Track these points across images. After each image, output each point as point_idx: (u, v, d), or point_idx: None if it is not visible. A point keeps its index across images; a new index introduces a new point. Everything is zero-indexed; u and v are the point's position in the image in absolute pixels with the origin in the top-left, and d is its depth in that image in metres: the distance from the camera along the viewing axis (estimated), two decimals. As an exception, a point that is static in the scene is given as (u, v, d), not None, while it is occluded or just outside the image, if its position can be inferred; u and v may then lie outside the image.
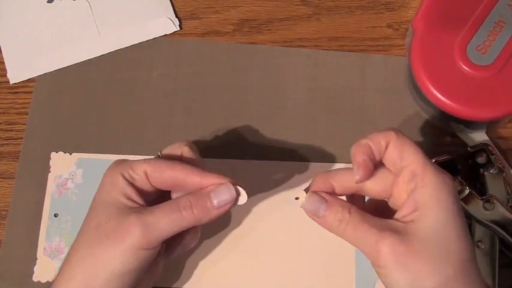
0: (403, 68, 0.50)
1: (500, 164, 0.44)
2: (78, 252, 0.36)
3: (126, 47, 0.51)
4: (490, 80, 0.44)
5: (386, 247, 0.32)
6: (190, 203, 0.35)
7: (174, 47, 0.51)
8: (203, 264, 0.45)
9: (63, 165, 0.47)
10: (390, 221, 0.34)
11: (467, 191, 0.43)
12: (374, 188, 0.36)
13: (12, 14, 0.52)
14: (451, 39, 0.45)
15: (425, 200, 0.33)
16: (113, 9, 0.52)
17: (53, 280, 0.37)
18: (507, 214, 0.42)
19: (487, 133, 0.48)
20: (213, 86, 0.50)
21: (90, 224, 0.36)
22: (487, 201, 0.42)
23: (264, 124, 0.49)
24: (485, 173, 0.44)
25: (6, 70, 0.51)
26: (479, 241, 0.43)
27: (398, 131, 0.35)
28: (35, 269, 0.45)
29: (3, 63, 0.51)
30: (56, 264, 0.45)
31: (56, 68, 0.50)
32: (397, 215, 0.34)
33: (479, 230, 0.43)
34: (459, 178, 0.43)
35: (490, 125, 0.47)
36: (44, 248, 0.45)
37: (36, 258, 0.45)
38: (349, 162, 0.46)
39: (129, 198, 0.36)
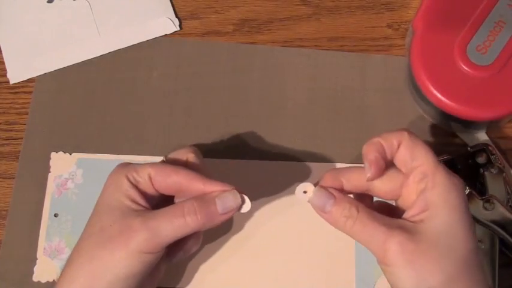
0: (403, 68, 0.50)
1: (500, 164, 0.44)
2: (81, 255, 0.36)
3: (126, 47, 0.51)
4: (490, 80, 0.44)
5: (395, 245, 0.32)
6: (195, 208, 0.35)
7: (174, 47, 0.51)
8: (203, 265, 0.45)
9: (63, 165, 0.47)
10: (399, 220, 0.34)
11: (467, 191, 0.43)
12: (383, 188, 0.36)
13: (12, 14, 0.52)
14: (451, 39, 0.45)
15: (436, 200, 0.33)
16: (113, 9, 0.52)
17: (55, 282, 0.37)
18: (507, 214, 0.42)
19: (487, 133, 0.48)
20: (213, 86, 0.50)
21: (93, 227, 0.36)
22: (487, 201, 0.42)
23: (264, 124, 0.49)
24: (485, 173, 0.44)
25: (6, 70, 0.51)
26: (479, 241, 0.43)
27: (411, 132, 0.35)
28: (35, 269, 0.45)
29: (3, 63, 0.51)
30: (56, 264, 0.45)
31: (56, 68, 0.50)
32: (405, 215, 0.34)
33: (479, 230, 0.43)
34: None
35: (490, 125, 0.47)
36: (44, 248, 0.45)
37: (36, 258, 0.45)
38: (349, 162, 0.47)
39: (134, 201, 0.36)
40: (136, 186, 0.37)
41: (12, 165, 0.48)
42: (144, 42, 0.51)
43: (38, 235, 0.46)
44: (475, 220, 0.43)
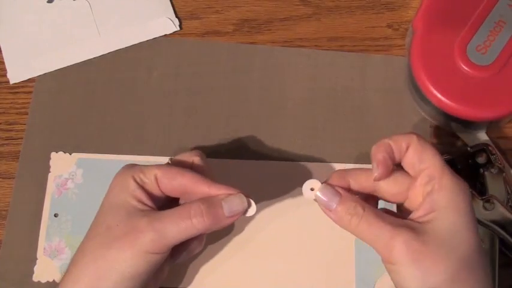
0: (403, 68, 0.50)
1: (500, 164, 0.44)
2: (86, 255, 0.36)
3: (126, 47, 0.51)
4: (490, 80, 0.44)
5: (400, 243, 0.32)
6: (202, 210, 0.35)
7: (174, 47, 0.51)
8: (204, 266, 0.45)
9: (63, 165, 0.47)
10: (405, 220, 0.34)
11: (467, 191, 0.43)
12: (390, 189, 0.36)
13: (12, 14, 0.52)
14: (451, 39, 0.45)
15: (443, 202, 0.33)
16: (113, 9, 0.52)
17: (59, 282, 0.37)
18: (507, 214, 0.42)
19: (487, 133, 0.48)
20: (213, 86, 0.50)
21: (99, 227, 0.36)
22: (487, 201, 0.42)
23: (264, 124, 0.49)
24: (485, 173, 0.44)
25: (6, 70, 0.51)
26: (479, 241, 0.43)
27: (420, 135, 0.36)
28: (35, 269, 0.45)
29: (3, 63, 0.51)
30: (56, 264, 0.45)
31: (56, 68, 0.50)
32: (412, 216, 0.34)
33: (479, 230, 0.42)
34: (459, 178, 0.43)
35: (490, 125, 0.47)
36: (44, 248, 0.45)
37: (36, 258, 0.45)
38: (349, 162, 0.47)
39: (140, 201, 0.36)
40: (142, 187, 0.37)
41: (12, 165, 0.48)
42: (144, 42, 0.51)
43: (38, 235, 0.46)
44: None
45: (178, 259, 0.39)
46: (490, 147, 0.45)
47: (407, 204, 0.36)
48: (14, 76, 0.51)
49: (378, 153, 0.35)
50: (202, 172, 0.38)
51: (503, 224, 0.42)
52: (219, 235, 0.45)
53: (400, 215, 0.37)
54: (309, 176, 0.47)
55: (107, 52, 0.51)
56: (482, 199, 0.43)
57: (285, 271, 0.44)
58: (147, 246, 0.34)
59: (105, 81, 0.50)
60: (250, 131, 0.49)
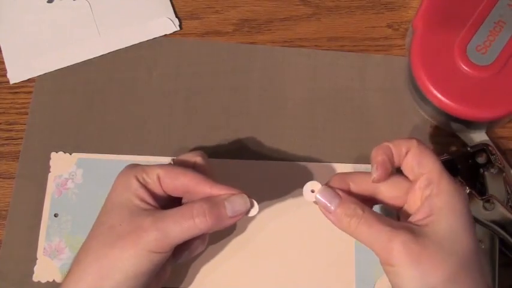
0: (403, 68, 0.50)
1: (500, 164, 0.44)
2: (90, 254, 0.36)
3: (126, 47, 0.51)
4: (490, 80, 0.44)
5: (399, 245, 0.32)
6: (204, 210, 0.35)
7: (174, 47, 0.51)
8: (205, 266, 0.45)
9: (63, 165, 0.47)
10: (403, 223, 0.35)
11: (467, 191, 0.43)
12: (389, 193, 0.37)
13: (12, 14, 0.52)
14: (451, 39, 0.45)
15: (441, 206, 0.34)
16: (113, 9, 0.52)
17: (62, 281, 0.37)
18: (507, 214, 0.42)
19: (487, 133, 0.48)
20: (213, 86, 0.50)
21: (102, 226, 0.36)
22: (487, 201, 0.42)
23: (264, 124, 0.49)
24: (485, 173, 0.44)
25: (6, 70, 0.51)
26: (479, 241, 0.43)
27: (420, 140, 0.36)
28: (35, 269, 0.45)
29: (3, 63, 0.51)
30: (56, 264, 0.45)
31: (56, 68, 0.50)
32: (410, 219, 0.35)
33: (479, 230, 0.43)
34: (459, 178, 0.43)
35: (490, 125, 0.47)
36: (44, 248, 0.45)
37: (36, 258, 0.45)
38: (349, 162, 0.47)
39: (143, 200, 0.37)
40: (145, 187, 0.37)
41: (12, 165, 0.48)
42: (144, 42, 0.51)
43: (38, 235, 0.46)
44: (475, 220, 0.43)
45: (180, 259, 0.40)
46: (490, 147, 0.45)
47: (405, 208, 0.37)
48: (14, 76, 0.51)
49: (378, 155, 0.36)
50: (204, 172, 0.39)
51: (503, 224, 0.42)
52: (219, 236, 0.45)
53: (399, 218, 0.37)
54: (309, 176, 0.47)
55: (107, 52, 0.51)
56: (482, 199, 0.43)
57: (285, 271, 0.44)
58: (151, 245, 0.34)
59: (105, 81, 0.50)
60: (250, 131, 0.49)
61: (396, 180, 0.37)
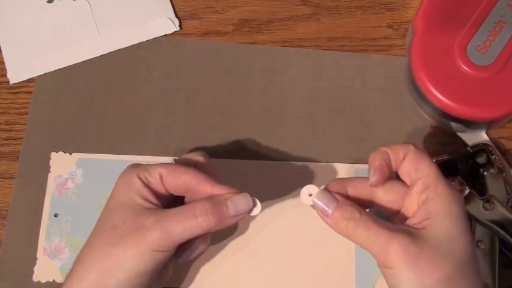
0: (403, 68, 0.50)
1: (500, 164, 0.44)
2: (93, 253, 0.36)
3: (126, 47, 0.51)
4: (490, 80, 0.44)
5: (397, 247, 0.33)
6: (207, 209, 0.35)
7: (174, 47, 0.51)
8: (205, 266, 0.45)
9: (63, 165, 0.47)
10: (401, 226, 0.35)
11: (467, 191, 0.43)
12: (386, 197, 0.37)
13: (12, 14, 0.52)
14: (451, 39, 0.45)
15: (438, 209, 0.34)
16: (113, 9, 0.52)
17: (64, 280, 0.37)
18: (507, 214, 0.42)
19: (487, 133, 0.48)
20: (213, 86, 0.50)
21: (104, 226, 0.36)
22: (487, 201, 0.42)
23: (264, 124, 0.49)
24: (485, 173, 0.44)
25: (6, 70, 0.51)
26: (479, 241, 0.43)
27: (417, 145, 0.37)
28: (35, 269, 0.45)
29: (3, 63, 0.51)
30: (56, 264, 0.45)
31: (56, 68, 0.50)
32: (407, 222, 0.35)
33: (479, 230, 0.43)
34: (459, 178, 0.43)
35: (490, 125, 0.47)
36: (44, 248, 0.45)
37: (36, 258, 0.45)
38: (349, 162, 0.47)
39: (146, 199, 0.37)
40: (148, 186, 0.37)
41: (12, 165, 0.48)
42: (144, 42, 0.51)
43: (38, 235, 0.46)
44: (475, 220, 0.43)
45: (182, 258, 0.40)
46: (490, 147, 0.45)
47: (402, 212, 0.37)
48: (14, 76, 0.51)
49: (375, 160, 0.36)
50: (207, 172, 0.39)
51: (503, 224, 0.42)
52: (219, 236, 0.45)
53: (395, 222, 0.37)
54: (309, 176, 0.47)
55: (107, 52, 0.51)
56: (482, 199, 0.43)
57: (285, 272, 0.44)
58: (154, 244, 0.35)
59: (105, 81, 0.50)
60: (250, 131, 0.49)
61: (393, 185, 0.37)
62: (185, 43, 0.51)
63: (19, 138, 0.49)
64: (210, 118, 0.49)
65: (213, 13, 0.53)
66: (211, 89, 0.50)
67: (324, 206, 0.35)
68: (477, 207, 0.42)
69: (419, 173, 0.36)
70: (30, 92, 0.50)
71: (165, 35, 0.52)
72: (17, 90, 0.50)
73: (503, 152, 0.48)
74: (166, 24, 0.52)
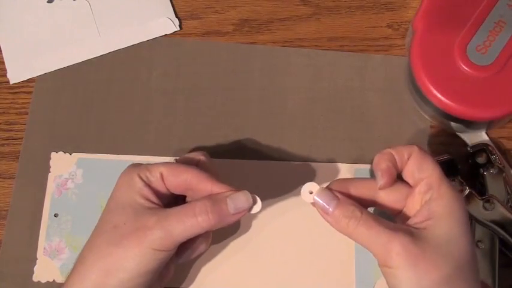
0: (403, 68, 0.50)
1: (500, 164, 0.44)
2: (94, 252, 0.36)
3: (126, 47, 0.51)
4: (490, 80, 0.44)
5: (399, 247, 0.33)
6: (207, 208, 0.35)
7: (174, 47, 0.51)
8: (205, 266, 0.45)
9: (63, 165, 0.47)
10: (402, 225, 0.35)
11: (467, 191, 0.43)
12: (388, 197, 0.37)
13: (12, 14, 0.52)
14: (451, 39, 0.45)
15: (440, 210, 0.34)
16: (113, 9, 0.52)
17: (65, 280, 0.37)
18: (507, 214, 0.42)
19: (487, 133, 0.48)
20: (213, 86, 0.50)
21: (106, 225, 0.36)
22: (487, 201, 0.42)
23: (264, 124, 0.49)
24: (485, 173, 0.44)
25: (6, 70, 0.51)
26: (479, 241, 0.43)
27: (421, 146, 0.37)
28: (35, 269, 0.45)
29: (3, 63, 0.51)
30: (56, 264, 0.45)
31: (56, 68, 0.50)
32: (409, 222, 0.35)
33: (479, 230, 0.43)
34: (459, 178, 0.43)
35: (490, 125, 0.47)
36: (44, 248, 0.45)
37: (36, 258, 0.45)
38: (349, 162, 0.47)
39: (147, 199, 0.37)
40: (149, 185, 0.37)
41: (12, 165, 0.48)
42: (144, 42, 0.51)
43: (38, 235, 0.46)
44: (475, 220, 0.43)
45: (184, 257, 0.40)
46: (490, 147, 0.45)
47: (404, 212, 0.37)
48: (14, 76, 0.51)
49: (382, 162, 0.36)
50: (208, 171, 0.39)
51: (503, 224, 0.42)
52: (220, 236, 0.45)
53: (396, 222, 0.38)
54: (309, 176, 0.47)
55: (107, 52, 0.51)
56: (482, 199, 0.43)
57: (285, 271, 0.44)
58: (155, 244, 0.35)
59: (105, 81, 0.50)
60: (250, 131, 0.49)
61: (396, 185, 0.37)
62: (185, 43, 0.51)
63: (19, 138, 0.49)
64: (210, 118, 0.49)
65: (213, 13, 0.53)
66: (211, 89, 0.50)
67: (325, 204, 0.35)
68: (477, 207, 0.42)
69: (422, 173, 0.36)
70: (30, 92, 0.50)
71: (165, 35, 0.52)
72: (17, 90, 0.50)
73: (503, 152, 0.48)
74: (166, 24, 0.52)
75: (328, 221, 0.36)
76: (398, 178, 0.37)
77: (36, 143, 0.48)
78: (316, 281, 0.44)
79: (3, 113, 0.50)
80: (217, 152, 0.48)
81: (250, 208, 0.37)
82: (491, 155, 0.44)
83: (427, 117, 0.48)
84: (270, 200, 0.46)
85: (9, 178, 0.48)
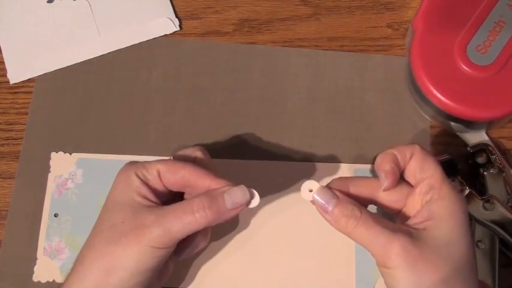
0: (403, 68, 0.50)
1: (500, 164, 0.44)
2: (93, 252, 0.36)
3: (126, 47, 0.51)
4: (490, 80, 0.44)
5: (398, 247, 0.33)
6: (204, 204, 0.35)
7: (174, 47, 0.51)
8: (204, 265, 0.45)
9: (63, 165, 0.47)
10: (401, 226, 0.35)
11: (467, 191, 0.43)
12: (389, 197, 0.37)
13: (12, 14, 0.52)
14: (451, 39, 0.45)
15: (441, 211, 0.34)
16: (113, 9, 0.52)
17: (65, 279, 0.37)
18: (507, 214, 0.42)
19: (487, 133, 0.48)
20: (213, 86, 0.50)
21: (104, 224, 0.36)
22: (487, 201, 0.42)
23: (264, 124, 0.49)
24: (485, 173, 0.44)
25: (6, 70, 0.51)
26: (479, 241, 0.43)
27: (422, 146, 0.37)
28: (35, 269, 0.45)
29: (3, 63, 0.51)
30: (56, 264, 0.45)
31: (56, 68, 0.50)
32: (409, 222, 0.35)
33: (479, 230, 0.43)
34: (459, 178, 0.43)
35: (490, 125, 0.47)
36: (44, 248, 0.45)
37: (36, 258, 0.45)
38: (349, 162, 0.47)
39: (145, 197, 0.37)
40: (146, 183, 0.37)
41: (12, 165, 0.48)
42: (144, 42, 0.51)
43: (38, 235, 0.46)
44: (475, 220, 0.43)
45: (183, 255, 0.40)
46: (490, 147, 0.45)
47: (404, 211, 0.37)
48: (14, 76, 0.51)
49: (386, 163, 0.36)
50: (205, 167, 0.39)
51: (503, 224, 0.42)
52: (219, 234, 0.45)
53: (395, 221, 0.37)
54: (309, 176, 0.47)
55: (107, 52, 0.51)
56: (482, 199, 0.43)
57: (284, 271, 0.44)
58: (154, 242, 0.35)
59: (105, 81, 0.50)
60: (250, 131, 0.49)
61: (398, 184, 0.37)
62: (185, 43, 0.51)
63: (19, 138, 0.49)
64: (210, 118, 0.49)
65: (213, 13, 0.53)
66: (211, 89, 0.50)
67: (324, 203, 0.35)
68: (477, 207, 0.42)
69: (424, 173, 0.36)
70: (30, 92, 0.50)
71: (165, 35, 0.52)
72: (17, 90, 0.50)
73: (503, 152, 0.48)
74: (166, 24, 0.52)
75: (327, 220, 0.36)
76: (399, 177, 0.37)
77: (36, 143, 0.48)
78: (316, 280, 0.44)
79: (3, 113, 0.50)
80: (217, 151, 0.47)
81: (248, 203, 0.37)
82: (491, 155, 0.44)
83: (427, 117, 0.48)
84: (269, 200, 0.46)
85: (9, 178, 0.48)
